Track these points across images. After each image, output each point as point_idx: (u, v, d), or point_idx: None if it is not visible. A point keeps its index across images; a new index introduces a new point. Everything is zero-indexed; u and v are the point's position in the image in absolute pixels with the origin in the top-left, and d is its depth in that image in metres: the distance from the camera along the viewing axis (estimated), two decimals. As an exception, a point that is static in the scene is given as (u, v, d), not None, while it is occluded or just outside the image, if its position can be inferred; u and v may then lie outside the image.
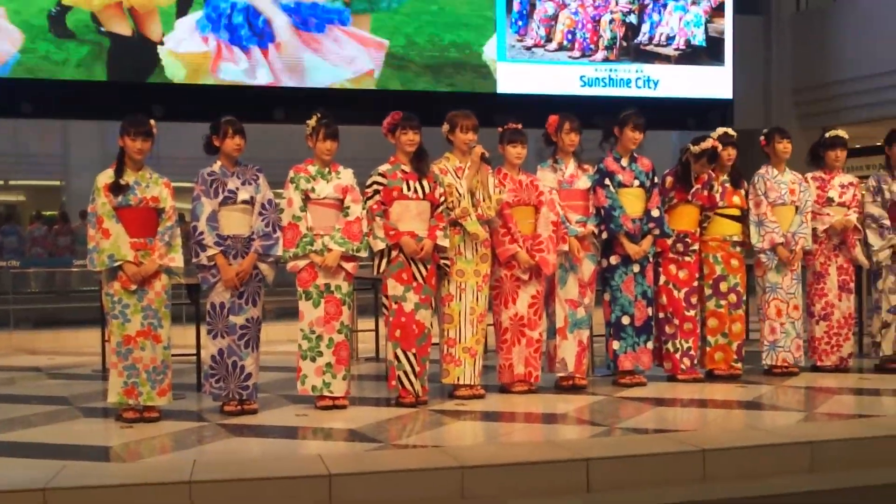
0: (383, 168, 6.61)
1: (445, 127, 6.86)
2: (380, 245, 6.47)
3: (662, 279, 7.37)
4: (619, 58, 13.16)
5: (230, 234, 6.26)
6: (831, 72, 15.22)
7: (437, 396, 6.79)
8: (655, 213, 7.20)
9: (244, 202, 6.30)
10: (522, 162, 7.00)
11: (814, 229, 7.71)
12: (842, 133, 7.87)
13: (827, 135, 7.92)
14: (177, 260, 6.19)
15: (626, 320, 7.24)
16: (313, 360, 6.39)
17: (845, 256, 7.81)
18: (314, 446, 5.52)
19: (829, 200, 7.78)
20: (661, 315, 7.37)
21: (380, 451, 5.29)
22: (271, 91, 11.73)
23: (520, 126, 7.00)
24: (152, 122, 6.19)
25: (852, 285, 7.88)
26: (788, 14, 16.04)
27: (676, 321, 7.35)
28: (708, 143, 7.33)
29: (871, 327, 7.98)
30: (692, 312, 7.40)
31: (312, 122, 6.45)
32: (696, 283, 7.42)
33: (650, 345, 7.29)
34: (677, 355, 7.34)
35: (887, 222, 7.76)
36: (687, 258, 7.38)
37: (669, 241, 7.32)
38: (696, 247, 7.43)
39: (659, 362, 7.45)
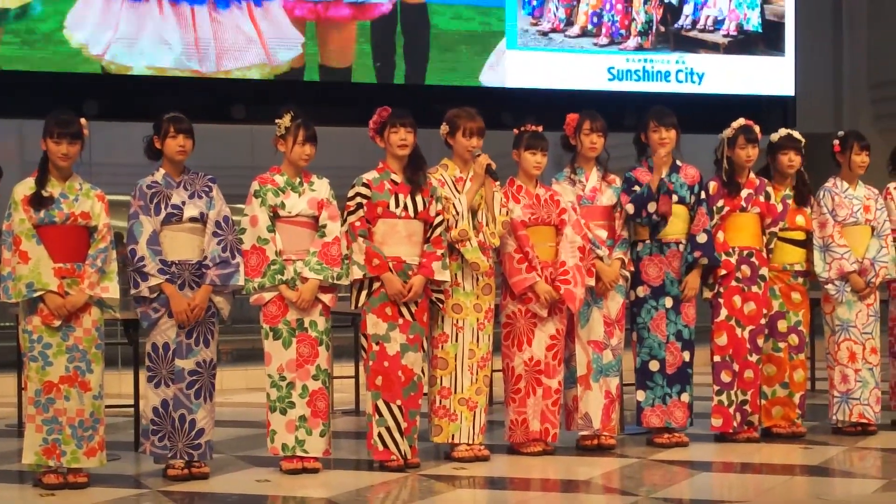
0: (369, 177, 6.61)
1: (444, 128, 6.87)
2: (357, 273, 6.47)
3: (723, 313, 7.35)
4: (656, 46, 13.15)
5: (175, 259, 6.26)
6: (916, 63, 15.24)
7: (431, 458, 6.78)
8: (702, 237, 7.19)
9: (192, 220, 6.31)
10: (541, 173, 7.01)
11: (899, 251, 7.71)
12: (930, 132, 7.87)
13: (911, 136, 7.92)
14: (111, 290, 6.19)
15: (654, 366, 7.23)
16: (283, 412, 6.41)
17: (937, 285, 7.79)
18: (279, 520, 5.51)
19: (919, 215, 7.78)
20: (718, 358, 7.36)
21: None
22: (226, 83, 11.69)
23: (541, 128, 7.00)
24: (83, 121, 6.20)
25: (945, 321, 7.87)
26: (863, -7, 16.09)
27: (736, 367, 7.34)
28: (739, 121, 7.37)
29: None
30: (755, 357, 7.40)
31: (285, 121, 6.47)
32: (763, 321, 7.41)
33: (685, 397, 7.27)
34: (731, 409, 7.32)
35: None
36: (754, 287, 7.38)
37: (733, 261, 7.31)
38: (765, 272, 7.42)
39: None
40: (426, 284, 6.58)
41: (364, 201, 6.53)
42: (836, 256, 7.51)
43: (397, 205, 6.54)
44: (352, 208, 6.53)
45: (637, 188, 7.13)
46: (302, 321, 6.42)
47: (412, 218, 6.57)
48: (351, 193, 6.56)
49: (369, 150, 6.87)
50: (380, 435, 6.51)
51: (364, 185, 6.56)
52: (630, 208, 7.09)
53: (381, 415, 6.51)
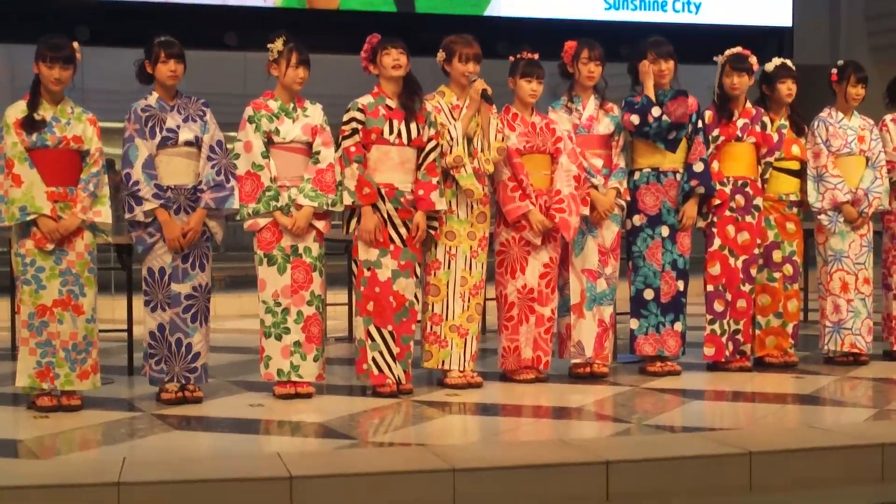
0: (363, 101, 6.57)
1: (441, 55, 6.84)
2: (347, 200, 6.46)
3: (717, 243, 7.36)
4: (653, -26, 13.09)
5: (171, 183, 6.24)
6: (915, -6, 15.16)
7: (424, 385, 6.82)
8: (699, 166, 7.19)
9: (188, 143, 6.29)
10: (537, 101, 6.99)
11: (893, 183, 7.70)
12: (926, 65, 7.84)
13: (906, 66, 7.89)
14: (104, 214, 6.17)
15: (648, 294, 7.26)
16: (278, 337, 6.43)
17: (932, 217, 7.81)
18: (272, 443, 5.53)
19: (915, 147, 7.78)
20: (711, 288, 7.37)
21: (351, 449, 5.30)
22: (220, 10, 11.62)
23: (536, 56, 6.97)
24: (75, 45, 6.14)
25: (938, 254, 7.89)
26: (864, -80, 15.97)
27: (729, 296, 7.35)
28: (732, 49, 7.36)
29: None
30: (748, 287, 7.42)
31: (278, 45, 6.43)
32: (757, 251, 7.43)
33: (678, 326, 7.29)
34: (723, 338, 7.35)
35: (981, 177, 7.76)
36: (748, 217, 7.38)
37: (728, 191, 7.31)
38: (759, 202, 7.42)
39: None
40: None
41: (359, 126, 6.49)
42: (829, 186, 7.51)
43: (391, 131, 6.51)
44: (347, 133, 6.50)
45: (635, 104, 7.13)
46: (296, 247, 6.42)
47: (405, 145, 6.55)
48: (346, 118, 6.52)
49: (362, 78, 6.82)
50: (374, 359, 6.53)
51: (359, 109, 6.52)
52: (635, 118, 7.07)
53: (373, 340, 6.53)
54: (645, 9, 12.97)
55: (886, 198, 7.67)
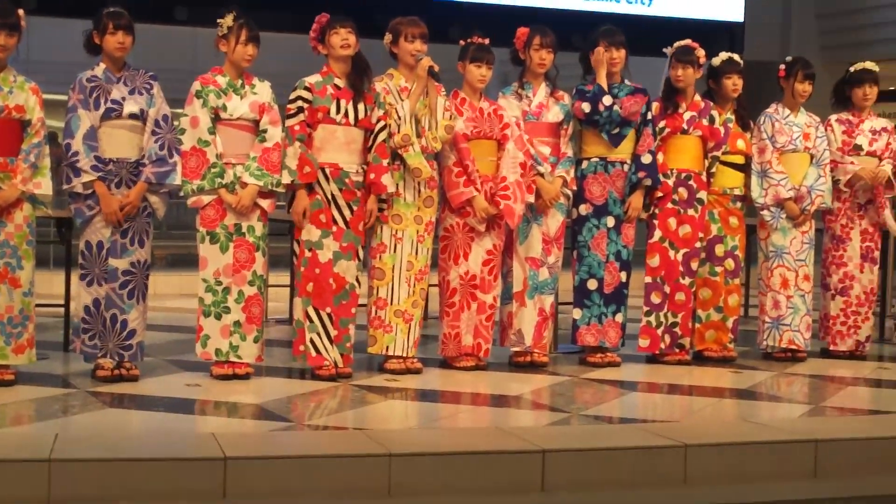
0: (311, 80, 6.53)
1: (388, 37, 6.82)
2: (286, 178, 6.41)
3: (657, 235, 7.37)
4: (607, -35, 13.10)
5: (114, 156, 6.18)
6: (864, -6, 15.28)
7: (364, 370, 6.78)
8: (646, 158, 7.19)
9: (132, 116, 6.22)
10: (485, 86, 6.96)
11: (835, 182, 7.75)
12: (871, 66, 7.90)
13: (852, 68, 7.95)
14: (44, 186, 6.10)
15: (592, 285, 7.25)
16: (218, 317, 6.38)
17: (871, 219, 7.87)
18: (208, 423, 5.48)
19: (857, 148, 7.83)
20: (649, 280, 7.38)
21: (288, 431, 5.27)
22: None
23: (487, 41, 6.95)
24: (20, 12, 6.05)
25: (877, 255, 7.96)
26: (815, -81, 16.07)
27: (667, 289, 7.37)
28: (680, 42, 7.39)
29: (894, 307, 8.04)
30: (688, 280, 7.43)
31: (228, 20, 6.38)
32: (698, 244, 7.44)
33: (619, 317, 7.30)
34: (659, 331, 7.37)
35: (923, 179, 7.82)
36: (691, 210, 7.39)
37: (671, 183, 7.33)
38: (703, 195, 7.43)
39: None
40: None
41: (305, 105, 6.45)
42: (772, 182, 7.54)
43: (338, 111, 6.47)
44: (292, 111, 6.45)
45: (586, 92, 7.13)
46: (240, 226, 6.37)
47: (352, 125, 6.51)
48: (292, 96, 6.48)
49: (313, 57, 6.77)
50: (311, 341, 6.50)
51: (306, 88, 6.47)
52: (585, 106, 7.06)
53: (311, 321, 6.50)
54: (597, -1, 13.00)
55: (829, 196, 7.71)
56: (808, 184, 7.60)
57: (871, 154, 7.83)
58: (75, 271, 6.37)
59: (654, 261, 7.37)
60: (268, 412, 5.66)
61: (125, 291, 6.21)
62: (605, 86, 7.11)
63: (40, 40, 9.87)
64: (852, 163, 7.75)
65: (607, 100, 7.06)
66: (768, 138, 7.59)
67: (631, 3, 13.08)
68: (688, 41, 7.44)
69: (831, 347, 7.86)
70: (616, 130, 7.13)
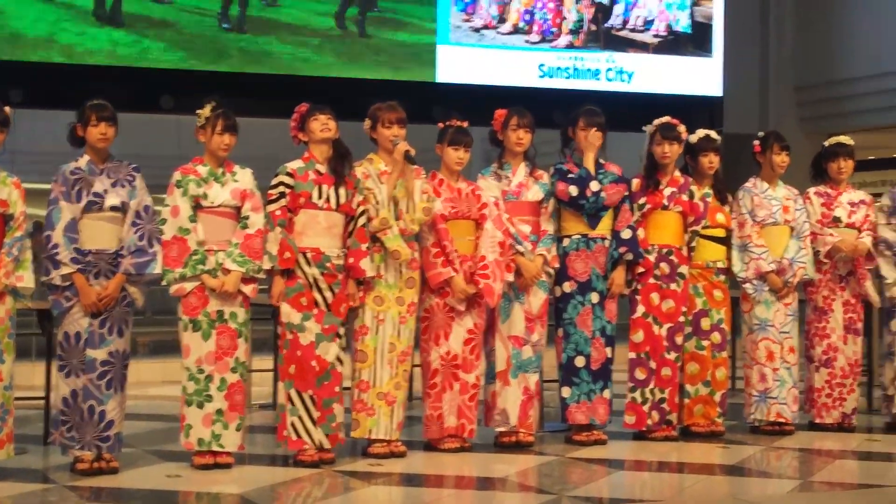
0: (293, 166, 6.50)
1: (367, 122, 6.81)
2: (267, 264, 6.36)
3: (640, 310, 7.29)
4: (587, 44, 13.12)
5: (93, 248, 6.11)
6: (841, 67, 15.30)
7: (347, 454, 6.66)
8: (626, 233, 7.14)
9: (114, 209, 6.16)
10: (463, 168, 6.93)
11: (815, 253, 7.69)
12: (845, 140, 7.87)
13: (827, 143, 7.93)
14: (25, 279, 6.05)
15: (580, 362, 7.14)
16: (200, 405, 6.26)
17: (853, 290, 7.78)
18: (188, 516, 5.38)
19: (836, 220, 7.77)
20: (633, 355, 7.28)
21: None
22: (155, 72, 11.52)
23: (465, 124, 6.93)
24: (7, 109, 6.06)
25: (860, 325, 7.87)
26: (791, -3, 16.15)
27: (653, 364, 7.26)
28: (661, 118, 7.35)
29: (882, 377, 7.95)
30: (673, 355, 7.33)
31: (206, 111, 6.38)
32: (681, 319, 7.36)
33: (607, 393, 7.20)
34: (645, 407, 7.24)
35: (903, 249, 7.76)
36: (673, 285, 7.32)
37: (652, 258, 7.25)
38: (684, 270, 7.36)
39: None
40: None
41: (287, 190, 6.43)
42: (753, 256, 7.48)
43: (320, 196, 6.44)
44: (273, 196, 6.43)
45: (572, 175, 7.06)
46: (222, 312, 6.28)
47: (334, 210, 6.48)
48: (274, 182, 6.47)
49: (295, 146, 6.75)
50: (293, 424, 6.39)
51: (288, 174, 6.46)
52: (573, 190, 7.02)
53: (293, 404, 6.40)
54: (578, 77, 13.00)
55: (811, 268, 7.64)
56: (790, 256, 7.54)
57: (850, 226, 7.77)
58: (56, 363, 6.27)
59: (638, 336, 7.27)
60: (250, 502, 5.54)
61: (103, 382, 6.09)
62: (592, 170, 7.07)
63: (28, 130, 9.82)
64: (832, 234, 7.69)
65: (594, 185, 7.03)
66: (748, 212, 7.54)
67: (611, 80, 13.11)
68: (669, 118, 7.40)
69: (817, 420, 7.74)
70: (595, 212, 7.08)
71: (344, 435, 6.55)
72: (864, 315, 7.96)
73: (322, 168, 6.50)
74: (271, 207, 6.40)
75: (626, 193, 7.20)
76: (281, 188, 6.42)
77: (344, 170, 6.53)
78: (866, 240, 7.72)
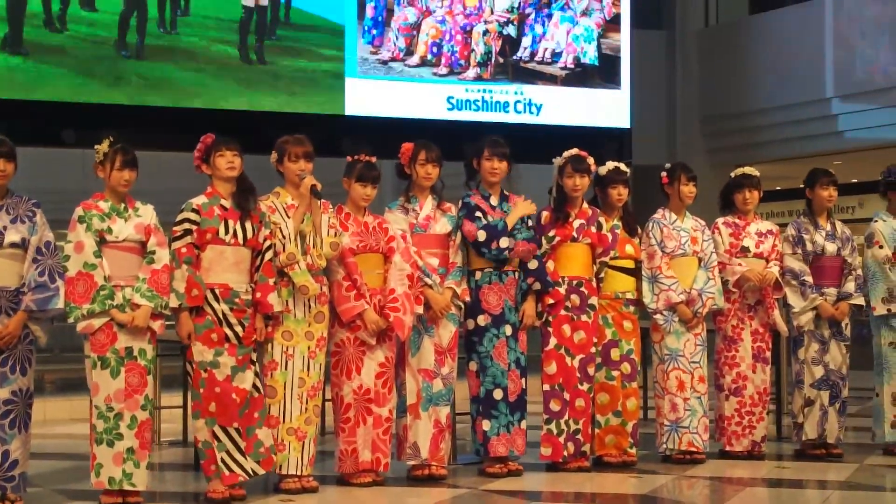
0: (198, 201, 6.46)
1: (273, 156, 6.80)
2: (174, 302, 6.30)
3: (553, 342, 7.32)
4: (495, 76, 13.21)
5: (-8, 286, 6.02)
6: (746, 98, 15.55)
7: (259, 491, 6.61)
8: (533, 264, 7.19)
9: (13, 245, 6.07)
10: (370, 203, 6.94)
11: (724, 282, 7.80)
12: (751, 171, 8.00)
13: (733, 174, 8.05)
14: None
15: (498, 394, 7.16)
16: (111, 444, 6.18)
17: (761, 320, 7.90)
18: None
19: (745, 250, 7.90)
20: (547, 387, 7.32)
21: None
22: (58, 106, 11.39)
23: (373, 160, 6.94)
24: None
25: (769, 354, 7.98)
26: (696, 29, 16.39)
27: (567, 396, 7.30)
28: (570, 151, 7.40)
29: (791, 405, 8.06)
30: (586, 386, 7.38)
31: (104, 146, 6.32)
32: (593, 350, 7.41)
33: (524, 424, 7.23)
34: (561, 438, 7.28)
35: (810, 279, 7.89)
36: (584, 316, 7.37)
37: (563, 291, 7.29)
38: (594, 301, 7.42)
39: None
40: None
41: (193, 227, 6.37)
42: (663, 287, 7.56)
43: (227, 231, 6.40)
44: (179, 234, 6.37)
45: (482, 216, 7.08)
46: (131, 349, 6.21)
47: (241, 245, 6.44)
48: (179, 218, 6.41)
49: (198, 175, 6.70)
50: (222, 460, 6.33)
51: (193, 210, 6.41)
52: (481, 235, 7.04)
53: (219, 440, 6.34)
54: (487, 109, 13.08)
55: (720, 298, 7.74)
56: (699, 287, 7.64)
57: (758, 256, 7.89)
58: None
59: (552, 368, 7.31)
60: (158, 541, 5.49)
61: (6, 421, 5.99)
62: (510, 226, 7.11)
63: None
64: (740, 264, 7.80)
65: (504, 242, 7.07)
66: (657, 244, 7.63)
67: (519, 112, 13.21)
68: (578, 150, 7.46)
69: (727, 448, 7.83)
70: (495, 258, 7.16)
71: (274, 454, 6.50)
72: (772, 344, 8.07)
73: (227, 203, 6.46)
74: (177, 244, 6.34)
75: (529, 221, 7.26)
76: (186, 225, 6.37)
77: (249, 204, 6.50)
78: (774, 269, 7.84)
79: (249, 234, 6.45)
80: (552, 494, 6.74)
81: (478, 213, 7.13)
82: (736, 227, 7.96)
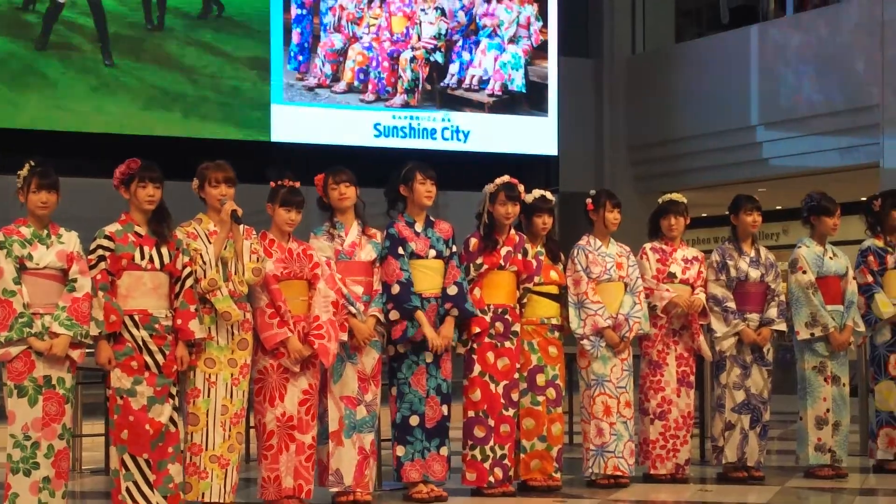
0: (111, 229, 6.43)
1: (195, 182, 6.77)
2: (94, 330, 6.26)
3: (477, 369, 7.37)
4: (422, 103, 13.31)
5: None
6: (673, 126, 15.76)
7: (182, 519, 6.58)
8: (452, 290, 7.23)
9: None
10: (294, 229, 6.96)
11: (651, 307, 7.89)
12: (677, 197, 8.10)
13: (660, 200, 8.15)
14: None
15: (414, 421, 7.20)
16: (27, 473, 6.12)
17: (686, 344, 8.01)
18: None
19: (671, 276, 7.99)
20: (472, 414, 7.37)
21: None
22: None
23: (297, 185, 6.96)
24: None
25: (693, 378, 8.08)
26: (623, 57, 16.59)
27: (491, 422, 7.35)
28: (502, 178, 7.45)
29: (712, 429, 8.16)
30: (511, 412, 7.43)
31: (24, 171, 6.27)
32: (516, 376, 7.46)
33: (444, 451, 7.26)
34: (486, 464, 7.33)
35: (732, 305, 8.00)
36: (507, 343, 7.43)
37: (488, 318, 7.36)
38: (517, 328, 7.49)
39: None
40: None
41: (106, 254, 6.34)
42: (590, 312, 7.63)
43: (143, 257, 6.38)
44: (93, 262, 6.34)
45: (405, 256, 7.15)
46: (49, 378, 6.17)
47: (158, 270, 6.42)
48: (92, 246, 6.36)
49: (122, 202, 6.69)
50: (127, 489, 6.30)
51: (106, 237, 6.38)
52: (395, 289, 7.09)
53: (127, 469, 6.30)
54: (414, 136, 13.16)
55: (646, 322, 7.83)
56: (625, 312, 7.72)
57: (684, 282, 8.00)
58: None
59: (476, 395, 7.37)
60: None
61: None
62: (422, 225, 7.20)
63: None
64: (668, 290, 7.90)
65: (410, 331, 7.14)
66: (583, 270, 7.70)
67: (447, 139, 13.29)
68: (509, 178, 7.52)
69: (651, 471, 7.92)
70: None
71: (183, 492, 6.47)
72: (696, 368, 8.18)
73: (141, 230, 6.43)
74: (92, 272, 6.30)
75: (454, 247, 7.33)
76: (100, 252, 6.34)
77: (164, 231, 6.47)
78: (701, 296, 7.95)
79: (167, 260, 6.42)
80: (476, 520, 6.80)
81: (400, 251, 7.16)
82: (663, 252, 8.05)
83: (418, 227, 7.30)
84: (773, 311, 8.06)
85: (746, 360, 8.03)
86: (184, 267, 6.48)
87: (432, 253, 7.26)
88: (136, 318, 6.35)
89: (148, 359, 6.35)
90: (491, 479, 7.33)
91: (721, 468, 8.07)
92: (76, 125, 11.67)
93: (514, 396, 7.45)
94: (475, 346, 7.36)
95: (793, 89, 14.67)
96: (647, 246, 8.10)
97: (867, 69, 13.87)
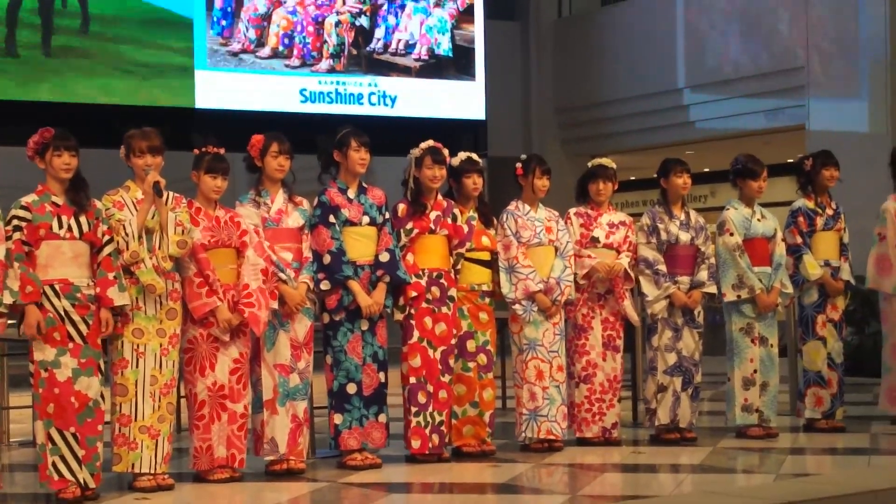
0: (27, 199, 6.34)
1: (122, 150, 6.72)
2: (8, 299, 6.16)
3: (415, 335, 7.38)
4: (348, 68, 13.28)
5: None
6: (600, 90, 15.85)
7: (114, 489, 6.56)
8: (384, 256, 7.25)
9: None
10: (221, 196, 6.93)
11: (574, 275, 7.93)
12: (606, 162, 8.16)
13: (589, 164, 8.21)
14: None
15: (351, 389, 7.22)
16: (-49, 447, 6.08)
17: (611, 308, 8.08)
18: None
19: (595, 241, 8.05)
20: (413, 380, 7.39)
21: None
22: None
23: (222, 151, 6.93)
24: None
25: (619, 342, 8.14)
26: (549, 20, 16.64)
27: (430, 388, 7.39)
28: (427, 143, 7.49)
29: (645, 391, 8.26)
30: (448, 378, 7.47)
31: None
32: (453, 342, 7.51)
33: (382, 418, 7.29)
34: (427, 430, 7.36)
35: (663, 268, 8.08)
36: (444, 308, 7.46)
37: (423, 283, 7.39)
38: (454, 293, 7.53)
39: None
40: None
41: (23, 224, 6.24)
42: (521, 277, 7.67)
43: (61, 226, 6.30)
44: (9, 232, 6.23)
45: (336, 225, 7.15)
46: (-29, 351, 6.13)
47: (77, 239, 6.34)
48: (8, 217, 6.27)
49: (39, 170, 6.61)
50: (54, 464, 6.24)
51: (22, 207, 6.29)
52: (327, 259, 7.10)
53: (53, 443, 6.25)
54: (341, 102, 13.13)
55: (573, 288, 7.87)
56: (556, 275, 7.77)
57: (607, 246, 8.06)
58: None
59: (416, 361, 7.38)
60: (7, 545, 5.43)
61: None
62: (355, 192, 7.22)
63: None
64: (590, 256, 7.96)
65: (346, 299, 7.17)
66: (513, 234, 7.74)
67: (374, 104, 13.27)
68: (433, 142, 7.54)
69: (578, 434, 8.00)
70: None
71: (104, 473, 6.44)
72: (625, 331, 8.26)
73: (59, 200, 6.35)
74: (7, 243, 6.21)
75: (386, 213, 7.35)
76: (15, 222, 6.24)
77: (82, 200, 6.39)
78: (623, 261, 8.01)
79: (86, 229, 6.34)
80: (411, 486, 6.82)
81: (332, 219, 7.17)
82: (588, 217, 8.10)
83: (351, 193, 7.29)
84: (703, 274, 8.16)
85: (678, 322, 8.13)
86: (103, 235, 6.42)
87: (365, 220, 7.26)
88: (57, 287, 6.27)
89: (71, 329, 6.29)
90: (430, 444, 7.37)
91: (654, 430, 8.18)
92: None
93: (451, 362, 7.49)
94: (413, 311, 7.39)
95: (719, 52, 14.80)
96: (572, 211, 8.15)
97: (793, 31, 14.02)
